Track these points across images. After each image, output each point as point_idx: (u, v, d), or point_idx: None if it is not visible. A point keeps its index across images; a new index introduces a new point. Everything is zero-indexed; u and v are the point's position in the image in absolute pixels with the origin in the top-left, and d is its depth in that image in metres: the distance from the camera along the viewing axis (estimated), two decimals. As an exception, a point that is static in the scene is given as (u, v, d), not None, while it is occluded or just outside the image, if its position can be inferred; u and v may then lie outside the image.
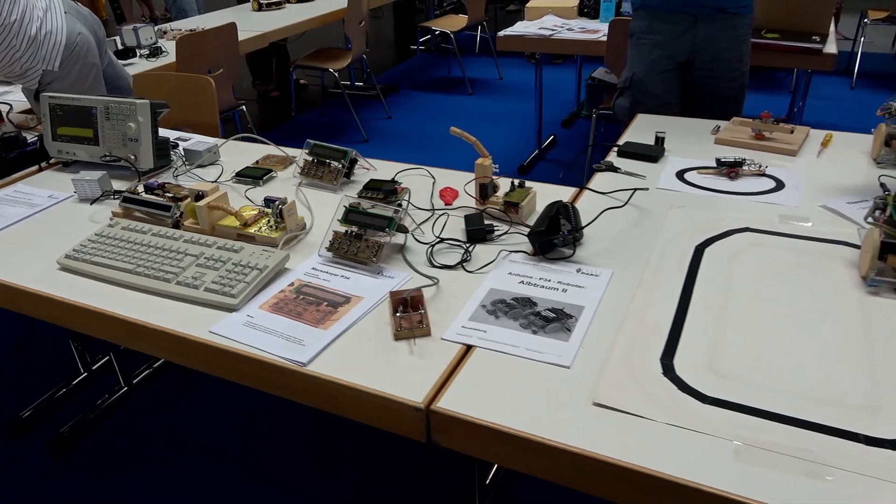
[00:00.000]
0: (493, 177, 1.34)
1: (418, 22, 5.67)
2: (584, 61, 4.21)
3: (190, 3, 4.81)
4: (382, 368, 0.94)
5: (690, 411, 0.83)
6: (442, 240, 1.26)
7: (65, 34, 1.87)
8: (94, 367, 2.17)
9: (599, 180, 1.48)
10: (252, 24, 3.67)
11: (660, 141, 1.61)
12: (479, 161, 1.32)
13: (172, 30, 3.54)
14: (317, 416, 1.95)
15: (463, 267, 1.17)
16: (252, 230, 1.27)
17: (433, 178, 1.52)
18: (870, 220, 1.17)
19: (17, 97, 2.24)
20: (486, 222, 1.27)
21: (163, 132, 1.68)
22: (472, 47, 6.03)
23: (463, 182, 1.47)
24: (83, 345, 2.13)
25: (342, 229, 1.22)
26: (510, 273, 1.14)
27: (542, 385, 0.89)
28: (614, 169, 1.52)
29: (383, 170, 1.58)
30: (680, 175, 1.48)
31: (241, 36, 3.29)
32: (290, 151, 1.70)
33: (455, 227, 1.31)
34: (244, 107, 3.35)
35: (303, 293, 1.11)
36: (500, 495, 1.69)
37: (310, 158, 1.54)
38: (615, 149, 1.61)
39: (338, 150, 1.50)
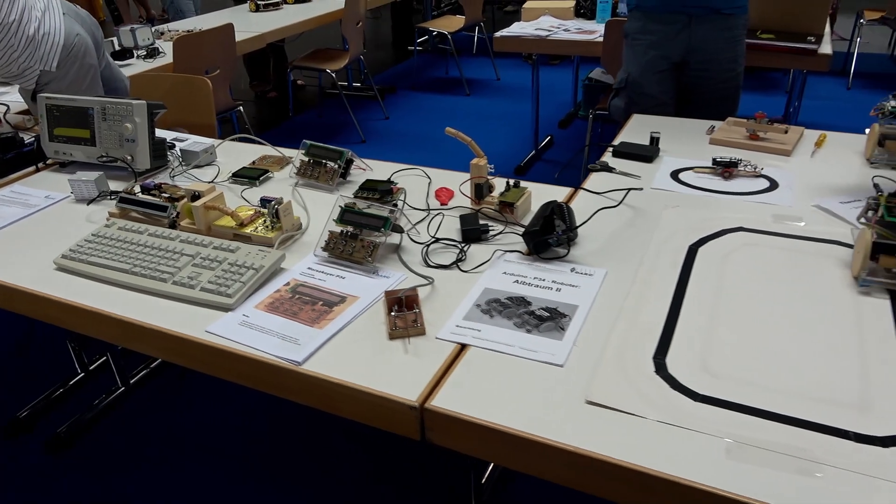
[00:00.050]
0: (489, 177, 1.35)
1: (416, 22, 5.68)
2: (581, 62, 4.21)
3: (187, 4, 4.82)
4: (377, 367, 0.94)
5: (683, 409, 0.84)
6: (437, 240, 1.27)
7: (63, 35, 1.87)
8: (91, 368, 2.17)
9: (594, 180, 1.49)
10: (249, 25, 3.68)
11: (655, 141, 1.62)
12: (474, 161, 1.33)
13: (169, 31, 3.55)
14: (314, 416, 1.95)
15: (458, 266, 1.18)
16: (248, 230, 1.27)
17: (429, 178, 1.53)
18: (862, 220, 1.17)
19: (14, 98, 2.24)
20: (481, 222, 1.28)
21: (159, 133, 1.68)
22: (469, 48, 6.04)
23: (458, 182, 1.48)
24: (80, 345, 2.13)
25: (338, 229, 1.22)
26: (505, 272, 1.14)
27: (535, 384, 0.90)
28: (609, 169, 1.53)
29: (379, 170, 1.59)
30: (674, 175, 1.49)
31: (239, 37, 3.30)
32: (287, 152, 1.70)
33: (450, 227, 1.31)
34: (241, 107, 3.35)
35: (298, 293, 1.12)
36: (497, 495, 1.69)
37: (306, 159, 1.54)
38: (610, 149, 1.62)
39: (334, 150, 1.51)
